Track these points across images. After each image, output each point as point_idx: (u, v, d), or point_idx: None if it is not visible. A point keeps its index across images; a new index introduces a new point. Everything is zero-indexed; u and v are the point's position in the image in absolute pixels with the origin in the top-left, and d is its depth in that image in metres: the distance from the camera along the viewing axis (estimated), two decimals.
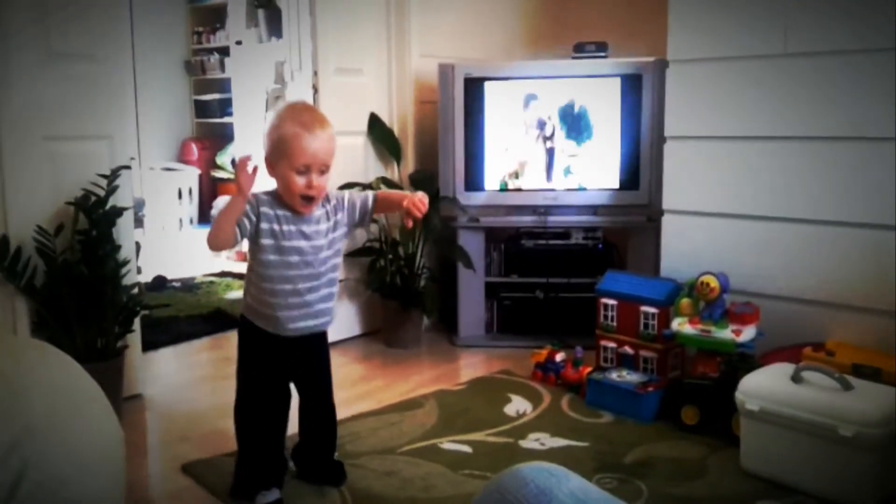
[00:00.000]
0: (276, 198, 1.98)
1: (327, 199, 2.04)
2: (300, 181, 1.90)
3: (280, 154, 1.91)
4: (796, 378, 2.23)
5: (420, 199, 2.04)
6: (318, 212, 2.00)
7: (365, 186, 3.60)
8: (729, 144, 2.95)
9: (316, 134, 1.90)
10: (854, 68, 2.63)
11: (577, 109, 3.50)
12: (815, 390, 2.18)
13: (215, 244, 1.93)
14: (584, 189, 3.53)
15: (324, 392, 2.18)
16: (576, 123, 3.52)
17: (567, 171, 3.54)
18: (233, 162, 6.68)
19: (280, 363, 2.07)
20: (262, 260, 1.97)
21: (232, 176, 6.69)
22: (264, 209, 1.94)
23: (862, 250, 2.67)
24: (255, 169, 1.88)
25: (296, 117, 1.92)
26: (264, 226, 1.94)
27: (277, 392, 2.10)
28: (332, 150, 1.95)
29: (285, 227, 1.95)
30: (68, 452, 1.29)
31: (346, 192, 2.11)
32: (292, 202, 1.95)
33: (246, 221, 1.93)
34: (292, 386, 2.16)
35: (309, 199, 1.93)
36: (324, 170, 1.93)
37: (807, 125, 2.76)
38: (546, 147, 3.55)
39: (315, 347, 2.11)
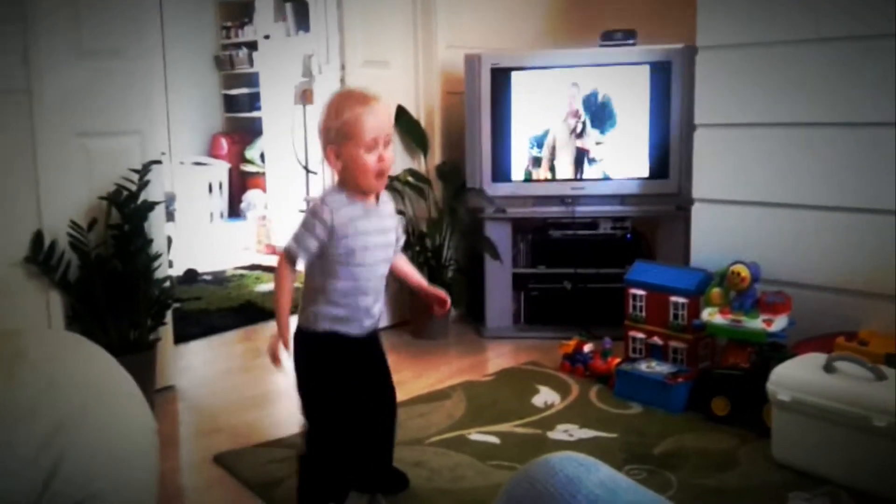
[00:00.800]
0: (344, 193, 1.94)
1: (387, 199, 2.04)
2: (371, 158, 1.90)
3: (346, 138, 1.91)
4: (829, 368, 2.20)
5: (445, 297, 2.13)
6: (383, 207, 2.00)
7: (392, 179, 3.61)
8: (760, 131, 2.91)
9: (375, 108, 1.92)
10: (888, 52, 2.58)
11: (601, 98, 3.48)
12: (847, 380, 2.15)
13: None
14: (608, 177, 3.51)
15: (391, 389, 2.14)
16: (599, 112, 3.49)
17: (592, 161, 3.52)
18: (261, 157, 6.72)
19: (354, 366, 2.03)
20: (338, 261, 1.93)
21: (261, 170, 6.77)
22: (340, 219, 1.90)
23: None
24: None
25: (352, 100, 1.94)
26: (342, 232, 1.91)
27: (358, 396, 2.05)
28: (391, 119, 2.00)
29: (360, 224, 1.93)
30: (103, 444, 1.32)
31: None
32: (366, 182, 1.92)
33: (314, 244, 1.91)
34: None
35: (381, 175, 1.93)
36: (388, 141, 1.94)
37: (840, 111, 2.71)
38: (574, 137, 3.53)
39: (378, 342, 2.11)
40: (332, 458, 2.03)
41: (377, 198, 1.99)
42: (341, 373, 2.01)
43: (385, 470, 2.17)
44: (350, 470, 2.07)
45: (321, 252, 1.92)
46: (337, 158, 1.93)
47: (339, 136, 1.92)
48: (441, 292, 2.13)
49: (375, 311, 2.03)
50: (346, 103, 1.93)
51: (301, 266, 1.97)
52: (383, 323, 3.75)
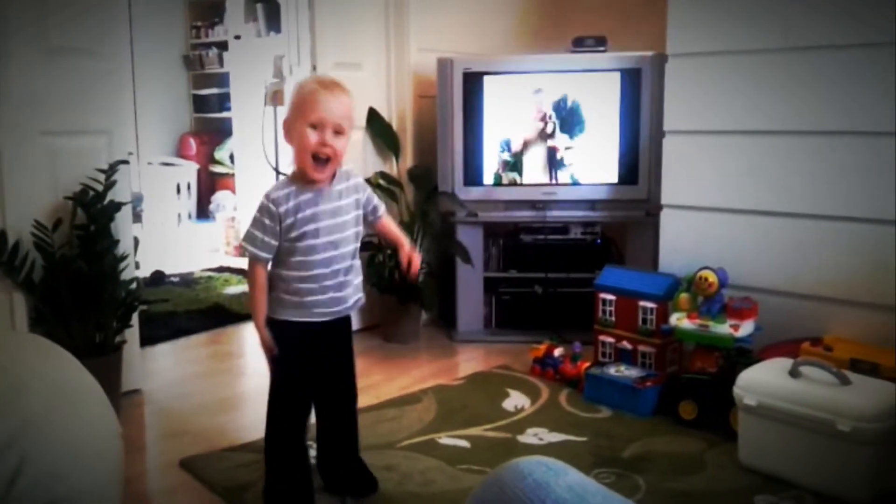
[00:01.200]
0: (292, 183, 1.95)
1: (349, 176, 2.02)
2: (312, 136, 1.88)
3: (297, 113, 1.91)
4: (794, 373, 2.23)
5: (417, 260, 2.12)
6: (338, 186, 1.98)
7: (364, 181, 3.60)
8: (728, 139, 2.95)
9: (334, 92, 1.91)
10: (854, 63, 2.63)
11: (570, 103, 3.50)
12: (812, 385, 2.18)
13: None
14: (578, 182, 3.53)
15: (352, 381, 2.14)
16: (569, 117, 3.52)
17: (561, 164, 3.54)
18: (231, 158, 6.67)
19: (314, 354, 2.02)
20: (292, 249, 1.94)
21: (230, 171, 6.71)
22: (284, 208, 1.92)
23: (860, 245, 2.67)
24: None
25: (316, 80, 1.96)
26: (289, 221, 1.92)
27: (308, 389, 2.06)
28: (349, 113, 1.94)
29: (309, 211, 1.93)
30: (66, 447, 1.29)
31: (369, 187, 2.12)
32: (305, 165, 1.91)
33: (270, 239, 1.93)
34: None
35: (321, 161, 1.90)
36: (339, 130, 1.90)
37: (807, 120, 2.75)
38: (546, 142, 3.55)
39: (345, 330, 2.09)
40: (285, 450, 2.03)
41: (334, 178, 1.97)
42: (295, 362, 2.00)
43: (353, 470, 2.16)
44: (306, 466, 2.06)
45: (278, 245, 1.94)
46: (288, 135, 1.94)
47: (293, 110, 1.93)
48: (414, 259, 2.11)
49: (344, 294, 1.99)
50: (309, 82, 1.96)
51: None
52: (354, 326, 3.73)
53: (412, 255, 2.12)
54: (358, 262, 2.06)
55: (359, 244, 2.05)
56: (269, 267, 1.99)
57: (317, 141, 1.88)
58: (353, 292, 2.04)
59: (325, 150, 1.89)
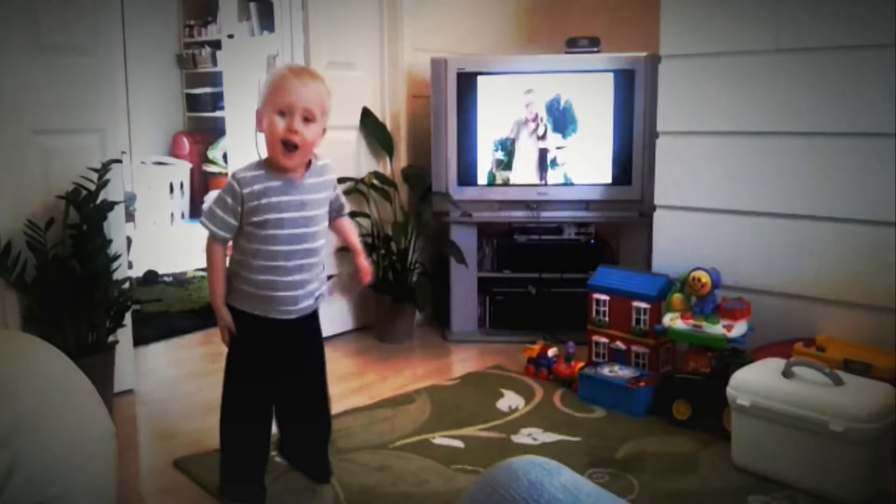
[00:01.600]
0: (262, 167, 1.89)
1: (322, 171, 1.97)
2: (280, 123, 1.83)
3: (267, 99, 1.87)
4: (787, 373, 2.24)
5: (369, 272, 2.09)
6: (311, 179, 1.93)
7: (357, 181, 3.60)
8: (721, 140, 2.96)
9: (303, 79, 1.86)
10: (847, 64, 2.64)
11: (563, 104, 3.51)
12: (805, 385, 2.19)
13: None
14: (572, 183, 3.54)
15: (320, 376, 2.08)
16: (562, 117, 3.52)
17: (553, 164, 3.55)
18: (224, 157, 6.65)
19: (274, 351, 1.96)
20: (253, 236, 1.88)
21: (223, 171, 6.70)
22: (249, 190, 1.86)
23: (854, 246, 2.68)
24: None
25: (287, 68, 1.91)
26: (251, 204, 1.85)
27: (271, 384, 2.00)
28: (320, 100, 1.88)
29: (274, 199, 1.86)
30: (59, 447, 1.29)
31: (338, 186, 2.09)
32: (274, 152, 1.86)
33: (230, 219, 1.87)
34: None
35: (290, 148, 1.85)
36: (308, 117, 1.85)
37: (799, 121, 2.76)
38: (538, 142, 3.55)
39: (311, 328, 2.03)
40: (238, 445, 1.99)
41: (307, 170, 1.92)
42: (251, 358, 1.95)
43: (319, 458, 2.11)
44: (264, 461, 2.02)
45: (239, 229, 1.88)
46: (260, 123, 1.90)
47: (263, 97, 1.88)
48: (366, 267, 2.08)
49: (306, 291, 1.93)
50: (280, 69, 1.92)
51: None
52: (348, 326, 3.75)
53: (365, 265, 2.08)
54: (322, 260, 2.00)
55: (324, 241, 1.98)
56: (233, 253, 1.94)
57: (284, 127, 1.83)
58: (315, 288, 1.97)
59: (292, 136, 1.84)
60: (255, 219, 1.86)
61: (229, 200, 1.87)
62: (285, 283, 1.90)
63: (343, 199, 2.09)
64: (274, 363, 1.97)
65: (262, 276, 1.89)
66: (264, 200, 1.86)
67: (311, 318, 2.02)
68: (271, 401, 2.04)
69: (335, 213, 2.06)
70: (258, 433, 2.02)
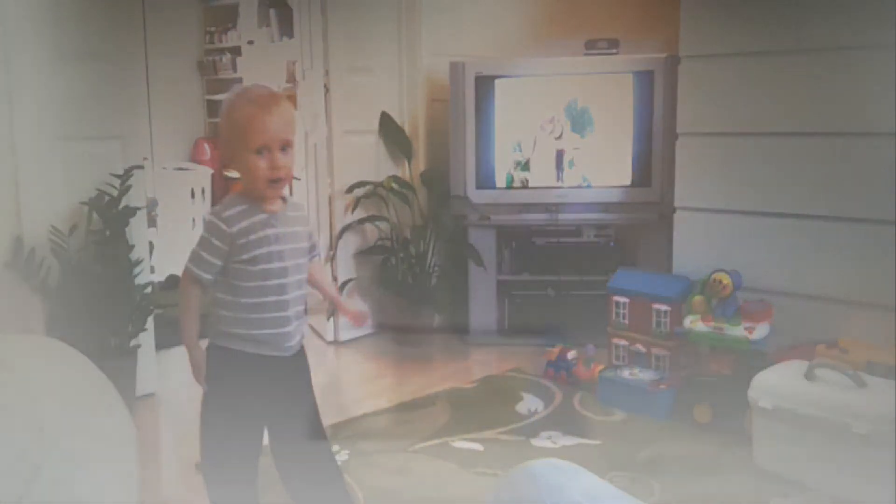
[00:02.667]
0: (243, 202, 1.78)
1: (297, 207, 1.88)
2: (261, 163, 1.72)
3: (237, 140, 1.75)
4: (810, 375, 2.22)
5: (359, 315, 2.00)
6: (293, 213, 1.84)
7: (376, 185, 3.60)
8: (742, 141, 2.93)
9: (271, 110, 1.73)
10: (868, 64, 2.61)
11: (582, 106, 3.50)
12: (828, 388, 2.17)
13: None
14: (591, 185, 3.53)
15: (313, 419, 1.91)
16: (580, 119, 3.51)
17: (571, 164, 3.54)
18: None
19: (257, 394, 1.81)
20: (243, 273, 1.77)
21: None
22: (237, 227, 1.74)
23: (876, 247, 2.64)
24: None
25: (244, 99, 1.76)
26: (241, 242, 1.75)
27: (256, 434, 1.83)
28: (290, 123, 1.78)
29: (262, 233, 1.76)
30: (81, 454, 1.30)
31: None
32: (259, 190, 1.76)
33: (215, 261, 1.76)
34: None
35: (276, 182, 1.76)
36: (285, 146, 1.75)
37: (821, 121, 2.73)
38: (556, 145, 3.54)
39: (298, 369, 1.88)
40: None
41: (285, 202, 1.82)
42: (233, 398, 1.81)
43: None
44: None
45: (225, 268, 1.76)
46: (229, 163, 1.78)
47: (229, 138, 1.77)
48: (354, 310, 2.00)
49: (290, 330, 1.82)
50: (237, 103, 1.76)
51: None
52: (366, 329, 3.76)
53: (352, 310, 2.00)
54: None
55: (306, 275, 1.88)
56: (216, 294, 1.81)
57: (266, 166, 1.73)
58: (301, 325, 1.86)
59: (278, 173, 1.74)
60: (245, 256, 1.76)
61: (216, 242, 1.75)
62: (276, 318, 1.80)
63: (315, 237, 1.98)
64: (262, 406, 1.83)
65: (252, 315, 1.79)
66: (253, 236, 1.75)
67: (299, 357, 1.88)
68: (257, 452, 1.86)
69: (307, 252, 1.92)
70: (245, 478, 1.85)
